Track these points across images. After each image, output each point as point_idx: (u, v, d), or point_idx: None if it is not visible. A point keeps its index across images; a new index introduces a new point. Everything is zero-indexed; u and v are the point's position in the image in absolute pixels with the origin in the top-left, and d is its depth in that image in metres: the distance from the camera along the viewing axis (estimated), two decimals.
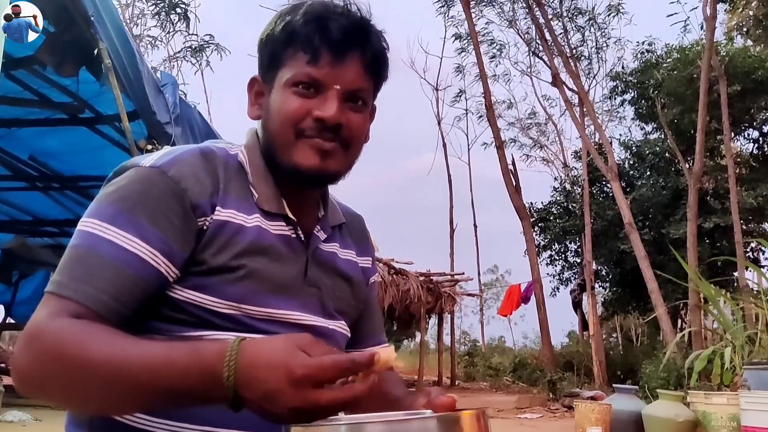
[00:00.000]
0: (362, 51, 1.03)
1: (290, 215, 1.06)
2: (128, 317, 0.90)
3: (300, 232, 1.07)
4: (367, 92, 1.06)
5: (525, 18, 18.70)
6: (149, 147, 5.01)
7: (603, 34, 19.44)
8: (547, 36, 15.87)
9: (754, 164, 16.57)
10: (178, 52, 18.07)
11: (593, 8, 19.13)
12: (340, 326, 1.10)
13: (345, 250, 1.17)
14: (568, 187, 19.58)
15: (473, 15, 18.17)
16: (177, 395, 0.80)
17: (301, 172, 1.03)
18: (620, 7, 19.06)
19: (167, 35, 17.61)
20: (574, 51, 18.27)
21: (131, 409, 0.91)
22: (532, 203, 18.85)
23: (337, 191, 1.20)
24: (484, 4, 19.55)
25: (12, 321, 9.51)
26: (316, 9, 1.02)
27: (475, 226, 25.53)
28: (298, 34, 1.01)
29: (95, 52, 4.59)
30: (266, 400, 0.75)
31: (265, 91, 1.07)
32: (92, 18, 4.45)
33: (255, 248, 0.99)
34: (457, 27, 22.59)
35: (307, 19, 1.01)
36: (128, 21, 16.44)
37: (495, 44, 21.31)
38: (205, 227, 0.97)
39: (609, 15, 19.11)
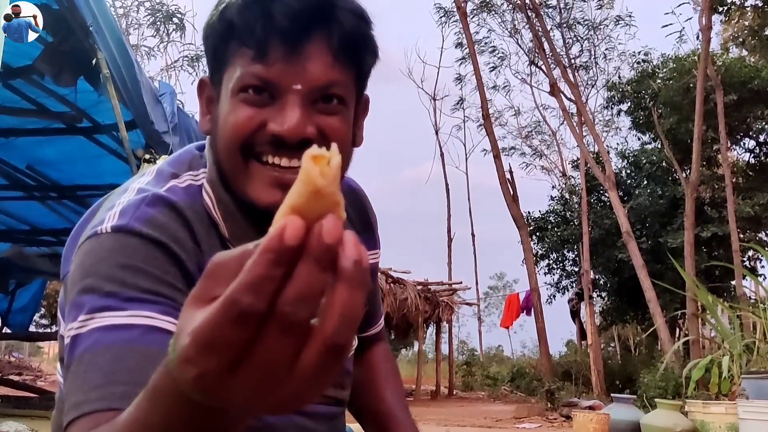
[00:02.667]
0: (327, 33, 0.78)
1: None
2: None
3: None
4: (344, 85, 0.81)
5: (525, 28, 18.80)
6: (147, 156, 5.01)
7: (606, 41, 19.58)
8: (546, 46, 15.93)
9: (750, 173, 16.62)
10: (176, 61, 18.11)
11: (596, 19, 19.30)
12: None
13: None
14: (566, 196, 19.61)
15: (475, 24, 18.30)
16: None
17: (258, 210, 0.80)
18: (627, 19, 19.24)
19: (164, 45, 17.64)
20: (572, 61, 18.35)
21: None
22: (529, 212, 18.89)
23: None
24: (485, 14, 19.66)
25: (8, 331, 9.49)
26: None
27: (473, 235, 25.56)
28: (236, 23, 0.78)
29: (93, 61, 4.59)
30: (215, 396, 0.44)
31: (214, 97, 0.85)
32: (91, 28, 4.46)
33: None
34: (458, 35, 22.73)
35: (246, 2, 0.77)
36: (125, 31, 16.47)
37: (496, 53, 21.41)
38: None
39: (617, 25, 19.27)
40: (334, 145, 0.43)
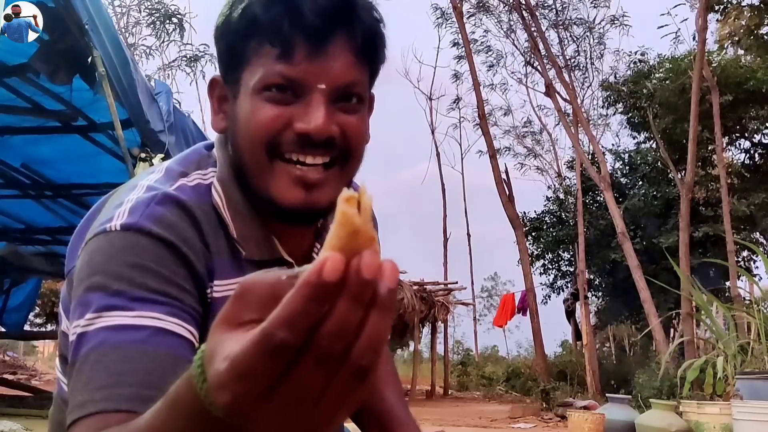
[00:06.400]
0: (350, 33, 0.79)
1: (286, 257, 0.87)
2: None
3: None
4: (362, 85, 0.83)
5: (520, 28, 18.81)
6: (143, 155, 5.00)
7: (600, 42, 19.59)
8: (541, 47, 15.94)
9: (745, 174, 16.67)
10: (173, 61, 18.09)
11: (592, 19, 19.32)
12: None
13: None
14: (561, 196, 19.64)
15: (471, 24, 18.31)
16: None
17: (280, 209, 0.82)
18: (622, 20, 19.27)
19: (162, 44, 17.62)
20: (568, 62, 18.37)
21: None
22: (525, 212, 18.90)
23: None
24: (481, 14, 19.66)
25: (3, 330, 9.47)
26: None
27: (469, 235, 25.57)
28: (261, 21, 0.78)
29: (89, 60, 4.59)
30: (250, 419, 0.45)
31: (228, 95, 0.85)
32: (86, 26, 4.45)
33: None
34: (455, 35, 22.74)
35: (271, 3, 0.77)
36: (123, 30, 16.44)
37: (492, 53, 21.43)
38: (209, 299, 0.81)
39: (611, 25, 19.31)
40: (362, 185, 0.45)
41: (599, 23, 19.41)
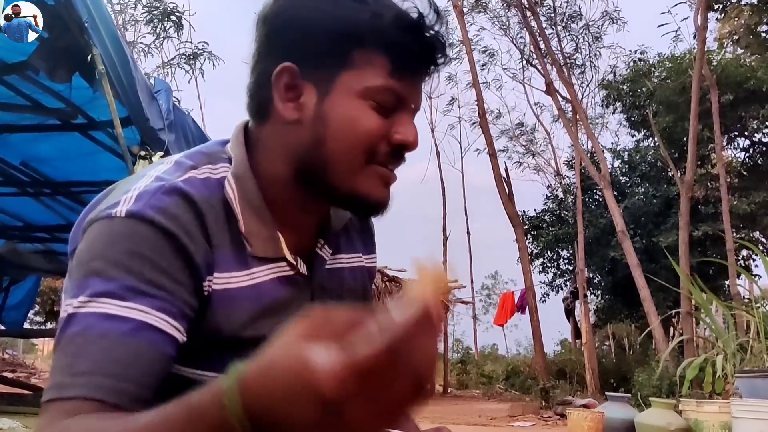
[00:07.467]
0: (435, 69, 0.90)
1: (290, 257, 0.90)
2: (149, 401, 0.70)
3: (302, 267, 0.92)
4: None
5: (519, 25, 18.79)
6: (142, 153, 5.00)
7: (596, 39, 19.58)
8: (541, 45, 15.93)
9: (744, 173, 16.67)
10: (172, 59, 18.07)
11: (588, 15, 19.33)
12: None
13: (351, 255, 1.03)
14: (560, 195, 19.63)
15: (469, 23, 18.27)
16: None
17: (363, 204, 0.89)
18: (615, 15, 19.26)
19: (160, 42, 17.60)
20: (568, 60, 18.36)
21: None
22: (524, 211, 18.90)
23: None
24: (477, 12, 19.65)
25: (2, 328, 9.46)
26: (408, 13, 0.84)
27: (468, 234, 25.56)
28: (388, 37, 0.83)
29: (89, 58, 4.58)
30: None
31: (308, 89, 0.86)
32: (86, 24, 4.44)
33: (260, 312, 0.86)
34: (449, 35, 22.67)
35: (404, 23, 0.84)
36: (121, 27, 16.42)
37: (487, 51, 21.40)
38: (206, 293, 0.82)
39: (604, 23, 19.31)
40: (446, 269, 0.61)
41: (594, 20, 19.42)
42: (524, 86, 21.57)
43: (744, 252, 15.40)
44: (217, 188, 0.87)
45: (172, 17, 17.09)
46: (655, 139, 15.30)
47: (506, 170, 17.47)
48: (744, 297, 10.78)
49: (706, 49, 12.44)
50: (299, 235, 0.93)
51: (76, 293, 0.76)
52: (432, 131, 26.07)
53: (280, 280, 0.89)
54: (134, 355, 0.73)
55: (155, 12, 16.94)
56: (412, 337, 0.52)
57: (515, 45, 19.81)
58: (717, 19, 14.67)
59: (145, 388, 0.73)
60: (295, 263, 0.91)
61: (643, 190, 16.85)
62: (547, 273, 18.88)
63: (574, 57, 19.33)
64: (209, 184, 0.86)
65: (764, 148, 16.80)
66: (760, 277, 14.49)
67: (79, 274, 0.78)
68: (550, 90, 15.51)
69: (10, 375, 10.63)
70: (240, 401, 0.54)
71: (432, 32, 0.85)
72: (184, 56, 17.90)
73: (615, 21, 19.36)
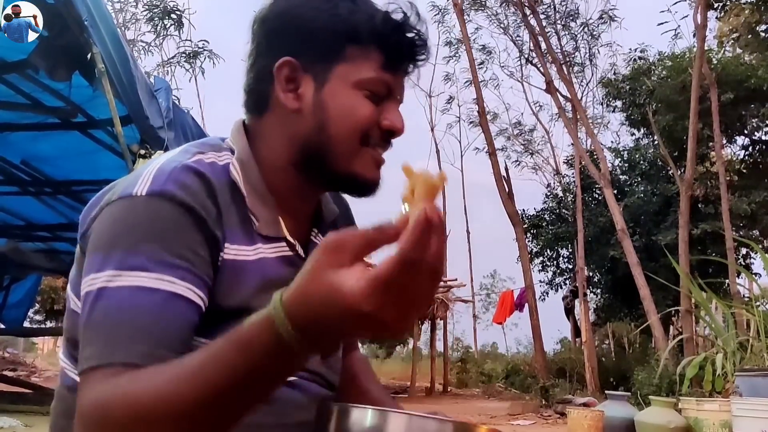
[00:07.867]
0: (417, 64, 1.00)
1: (290, 238, 0.98)
2: None
3: (300, 250, 0.99)
4: None
5: (519, 24, 18.77)
6: (142, 151, 5.00)
7: (594, 37, 19.57)
8: (541, 43, 15.91)
9: (744, 171, 16.67)
10: (172, 57, 18.04)
11: (587, 14, 19.32)
12: None
13: None
14: (560, 193, 19.62)
15: (465, 20, 18.23)
16: (257, 377, 0.69)
17: (359, 183, 0.99)
18: (612, 14, 19.25)
19: (160, 40, 17.57)
20: (567, 58, 18.35)
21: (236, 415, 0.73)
22: (524, 210, 18.90)
23: None
24: (475, 10, 19.63)
25: (2, 326, 9.47)
26: (396, 12, 0.94)
27: (468, 233, 25.58)
28: (380, 34, 0.93)
29: (88, 56, 4.58)
30: (346, 334, 0.69)
31: (306, 81, 0.95)
32: (86, 22, 4.44)
33: (263, 285, 0.90)
34: (447, 34, 22.68)
35: (393, 23, 0.94)
36: (121, 25, 16.41)
37: (485, 50, 21.38)
38: (219, 262, 0.88)
39: (602, 21, 19.28)
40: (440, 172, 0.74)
41: (591, 19, 19.41)
42: (523, 85, 21.58)
43: (744, 250, 15.40)
44: (223, 173, 0.93)
45: (173, 15, 17.07)
46: (655, 137, 15.28)
47: (506, 169, 17.48)
48: (744, 295, 10.79)
49: (706, 48, 12.43)
50: (296, 222, 1.01)
51: (101, 267, 0.81)
52: (432, 130, 26.12)
53: (281, 259, 0.96)
54: (166, 324, 0.79)
55: (155, 10, 16.92)
56: (420, 241, 0.62)
57: (514, 43, 19.81)
58: (717, 17, 14.66)
59: (178, 353, 0.77)
60: (294, 244, 0.99)
61: (642, 188, 16.84)
62: (547, 272, 18.89)
63: (574, 55, 19.33)
64: (216, 167, 0.93)
65: (764, 147, 16.79)
66: (759, 275, 14.53)
67: (102, 250, 0.82)
68: (550, 88, 15.49)
69: (10, 374, 10.65)
70: (287, 320, 0.65)
71: (416, 31, 0.95)
72: (184, 55, 17.88)
73: (612, 19, 19.35)
